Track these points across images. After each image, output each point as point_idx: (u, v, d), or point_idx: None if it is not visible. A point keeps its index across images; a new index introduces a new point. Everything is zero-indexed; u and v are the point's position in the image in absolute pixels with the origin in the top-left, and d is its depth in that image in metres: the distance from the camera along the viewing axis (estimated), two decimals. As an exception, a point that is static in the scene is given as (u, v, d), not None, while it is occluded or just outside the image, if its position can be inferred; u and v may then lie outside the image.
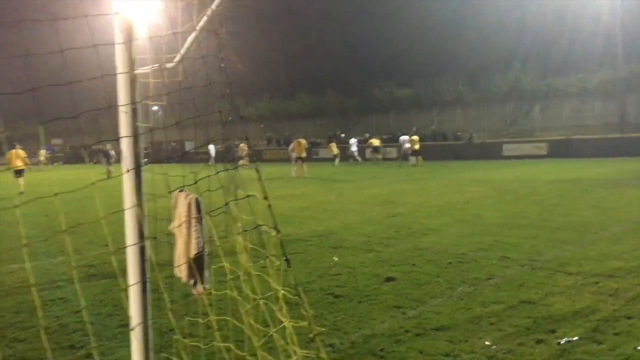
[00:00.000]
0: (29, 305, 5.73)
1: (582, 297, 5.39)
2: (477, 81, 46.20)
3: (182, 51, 2.77)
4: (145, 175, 2.67)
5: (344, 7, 56.25)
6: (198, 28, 2.68)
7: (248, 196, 2.82)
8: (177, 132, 3.21)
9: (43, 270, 7.26)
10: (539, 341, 4.34)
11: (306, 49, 57.99)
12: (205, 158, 35.51)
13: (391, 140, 42.59)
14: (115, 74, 2.55)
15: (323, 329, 4.66)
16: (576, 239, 8.23)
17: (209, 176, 2.91)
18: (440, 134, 43.72)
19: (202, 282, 2.92)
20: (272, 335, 2.74)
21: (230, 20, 2.82)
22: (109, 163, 29.68)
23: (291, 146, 27.48)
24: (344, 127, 51.30)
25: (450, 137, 42.68)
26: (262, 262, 2.88)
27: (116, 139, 2.54)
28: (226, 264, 2.93)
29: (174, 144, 47.68)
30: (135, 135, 2.57)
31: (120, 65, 2.55)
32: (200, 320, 3.15)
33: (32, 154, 40.28)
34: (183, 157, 3.71)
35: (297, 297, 2.57)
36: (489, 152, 36.77)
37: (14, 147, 21.82)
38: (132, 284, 2.62)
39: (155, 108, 2.98)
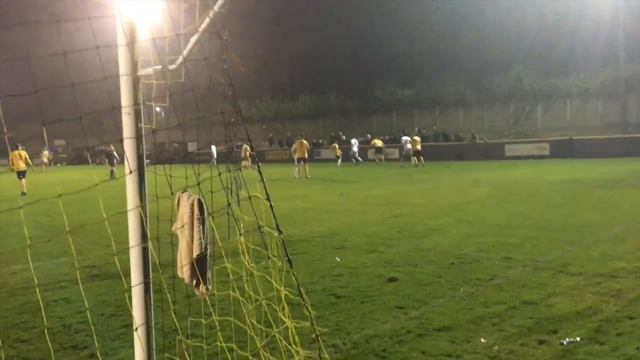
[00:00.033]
0: (32, 305, 5.75)
1: (584, 298, 5.38)
2: (479, 81, 46.21)
3: (185, 53, 2.78)
4: (148, 176, 2.68)
5: (346, 8, 56.33)
6: (200, 30, 2.69)
7: (250, 197, 2.83)
8: (180, 133, 3.22)
9: (46, 271, 7.27)
10: (541, 342, 4.34)
11: (308, 50, 58.06)
12: (207, 159, 35.54)
13: (393, 141, 42.61)
14: (118, 76, 2.57)
15: (325, 330, 4.67)
16: (578, 239, 8.22)
17: (211, 177, 2.92)
18: (442, 134, 43.72)
19: (205, 283, 2.93)
20: (274, 335, 2.75)
21: (232, 21, 2.83)
22: (112, 164, 29.73)
23: (293, 147, 27.49)
24: (345, 127, 51.33)
25: (452, 138, 42.68)
26: (264, 262, 2.89)
27: (119, 140, 2.56)
28: (229, 265, 2.94)
29: (177, 145, 47.76)
30: (138, 137, 2.58)
31: (123, 66, 2.56)
32: (202, 320, 3.17)
33: (34, 155, 40.40)
34: (185, 158, 3.71)
35: (299, 297, 2.58)
36: (491, 153, 36.76)
37: (16, 149, 21.89)
38: (135, 285, 2.63)
39: (157, 109, 2.99)
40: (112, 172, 27.83)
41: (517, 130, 42.67)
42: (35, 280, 6.16)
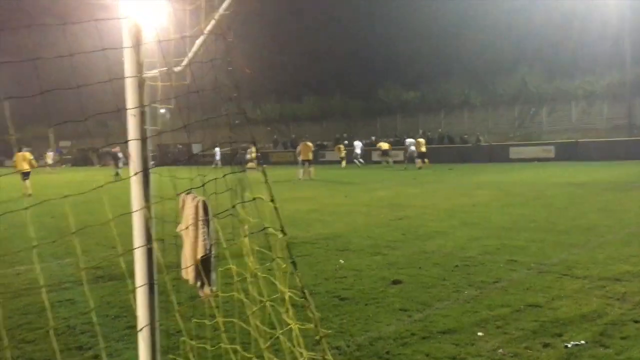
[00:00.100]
0: (36, 306, 5.77)
1: (589, 301, 5.36)
2: (484, 83, 46.09)
3: (190, 55, 2.79)
4: (153, 177, 2.69)
5: (350, 9, 56.36)
6: (206, 32, 2.70)
7: (255, 199, 2.83)
8: (184, 135, 3.23)
9: (51, 272, 7.30)
10: (545, 345, 4.32)
11: (313, 51, 58.11)
12: (210, 161, 35.58)
13: (397, 143, 42.59)
14: (124, 78, 2.57)
15: (329, 332, 4.67)
16: (583, 242, 8.19)
17: (215, 179, 2.92)
18: (447, 136, 43.65)
19: (209, 284, 2.93)
20: (278, 337, 2.74)
21: (237, 23, 2.84)
22: (117, 166, 29.83)
23: (298, 149, 27.53)
24: (350, 129, 51.30)
25: (456, 140, 42.59)
26: (268, 264, 2.89)
27: (124, 142, 2.56)
28: (233, 266, 2.94)
29: (181, 146, 47.90)
30: (143, 138, 2.59)
31: (129, 68, 2.57)
32: (207, 322, 3.17)
33: (39, 156, 40.55)
34: (190, 160, 3.72)
35: (303, 299, 2.58)
36: (496, 155, 36.66)
37: (20, 150, 22.04)
38: (140, 286, 2.63)
39: (162, 111, 3.00)
40: (117, 174, 27.94)
41: (522, 132, 42.57)
42: (40, 281, 6.18)
